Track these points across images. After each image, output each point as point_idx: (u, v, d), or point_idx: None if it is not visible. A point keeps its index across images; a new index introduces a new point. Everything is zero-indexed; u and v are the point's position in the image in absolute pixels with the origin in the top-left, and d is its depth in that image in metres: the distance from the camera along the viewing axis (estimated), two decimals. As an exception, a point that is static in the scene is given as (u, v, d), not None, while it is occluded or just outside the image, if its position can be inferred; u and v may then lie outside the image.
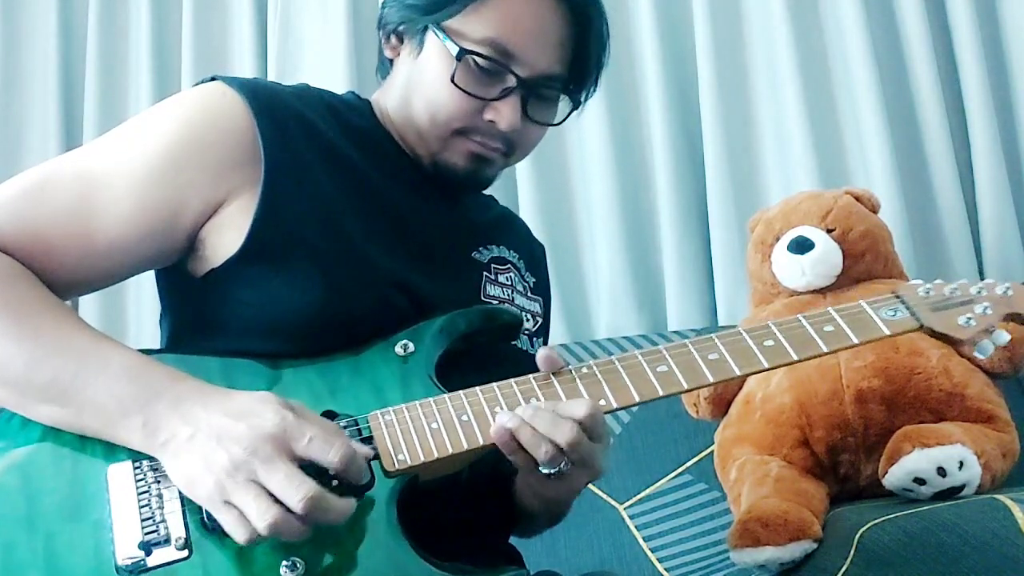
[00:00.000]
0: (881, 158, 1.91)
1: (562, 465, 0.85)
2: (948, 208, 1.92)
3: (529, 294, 1.16)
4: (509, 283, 1.12)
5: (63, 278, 0.93)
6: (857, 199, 1.61)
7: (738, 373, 0.92)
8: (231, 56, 2.38)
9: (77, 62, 2.42)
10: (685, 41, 2.12)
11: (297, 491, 0.75)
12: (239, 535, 0.76)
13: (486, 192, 1.18)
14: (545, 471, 0.85)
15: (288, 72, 2.27)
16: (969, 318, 0.96)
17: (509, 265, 1.14)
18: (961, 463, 1.19)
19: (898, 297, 0.98)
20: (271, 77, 2.27)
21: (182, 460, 0.79)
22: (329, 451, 0.78)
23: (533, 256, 1.23)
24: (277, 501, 0.75)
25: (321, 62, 2.25)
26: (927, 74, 1.94)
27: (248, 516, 0.75)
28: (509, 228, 1.22)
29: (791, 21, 2.02)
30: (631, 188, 2.10)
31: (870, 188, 1.73)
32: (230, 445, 0.77)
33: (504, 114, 1.00)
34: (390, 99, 1.08)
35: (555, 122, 1.08)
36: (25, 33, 2.46)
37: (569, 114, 1.09)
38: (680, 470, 1.71)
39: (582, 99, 1.08)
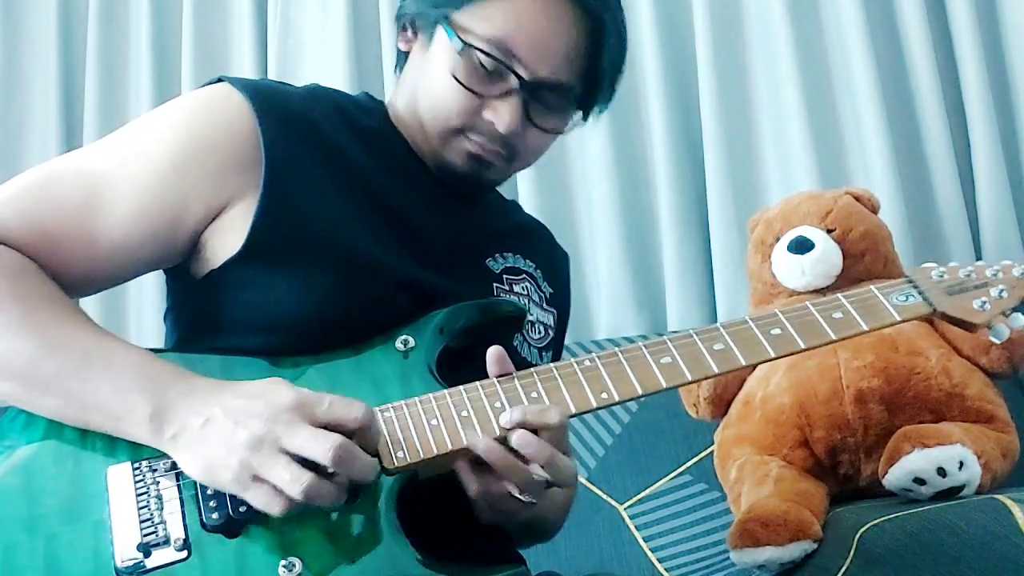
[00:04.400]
0: (881, 158, 1.91)
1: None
2: (948, 208, 1.91)
3: (544, 305, 1.14)
4: (525, 292, 1.10)
5: (68, 277, 0.93)
6: (857, 199, 1.61)
7: (744, 363, 0.90)
8: (231, 56, 2.38)
9: (77, 62, 2.42)
10: (685, 42, 2.11)
11: (325, 441, 0.76)
12: (274, 507, 0.77)
13: (506, 196, 1.17)
14: (524, 499, 0.84)
15: (288, 72, 2.26)
16: (984, 302, 0.93)
17: (524, 275, 1.12)
18: (961, 463, 1.19)
19: (910, 281, 0.95)
20: (271, 77, 2.27)
21: (197, 450, 0.79)
22: (352, 407, 0.80)
23: (554, 265, 1.20)
24: (306, 465, 0.76)
25: (321, 62, 2.25)
26: (927, 74, 1.94)
27: (281, 486, 0.76)
28: (529, 236, 1.20)
29: (791, 21, 2.02)
30: (631, 188, 2.09)
31: (870, 188, 1.73)
32: (249, 421, 0.77)
33: (502, 114, 0.99)
34: (401, 95, 1.08)
35: (563, 131, 1.06)
36: (25, 33, 2.46)
37: (574, 125, 1.08)
38: (680, 470, 1.70)
39: (592, 112, 1.07)
